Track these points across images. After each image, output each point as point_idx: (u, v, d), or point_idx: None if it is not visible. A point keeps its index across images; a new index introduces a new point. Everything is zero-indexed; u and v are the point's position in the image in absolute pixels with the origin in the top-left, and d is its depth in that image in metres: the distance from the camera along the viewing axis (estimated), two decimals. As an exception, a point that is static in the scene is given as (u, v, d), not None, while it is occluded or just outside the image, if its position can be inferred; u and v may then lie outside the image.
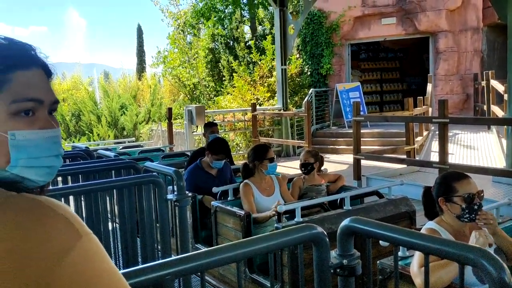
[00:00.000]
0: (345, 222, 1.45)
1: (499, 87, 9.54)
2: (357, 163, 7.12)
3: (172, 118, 10.21)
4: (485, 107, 11.00)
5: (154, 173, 2.78)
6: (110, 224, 3.03)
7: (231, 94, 14.49)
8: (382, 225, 1.40)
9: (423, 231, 2.17)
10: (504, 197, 5.18)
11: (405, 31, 13.41)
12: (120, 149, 7.44)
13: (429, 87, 12.00)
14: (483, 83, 11.19)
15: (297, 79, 14.23)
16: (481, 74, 12.32)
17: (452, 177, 2.24)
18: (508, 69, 6.49)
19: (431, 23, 12.89)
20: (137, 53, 28.59)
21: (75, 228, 0.67)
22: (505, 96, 7.93)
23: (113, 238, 2.97)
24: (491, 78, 10.42)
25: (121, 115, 18.37)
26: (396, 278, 1.44)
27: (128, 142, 10.19)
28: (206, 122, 8.56)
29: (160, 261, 1.19)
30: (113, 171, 3.22)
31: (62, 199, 2.48)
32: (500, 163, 7.73)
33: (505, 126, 7.37)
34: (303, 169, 4.05)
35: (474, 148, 9.37)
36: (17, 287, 0.61)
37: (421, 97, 10.76)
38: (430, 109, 11.18)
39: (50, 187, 2.83)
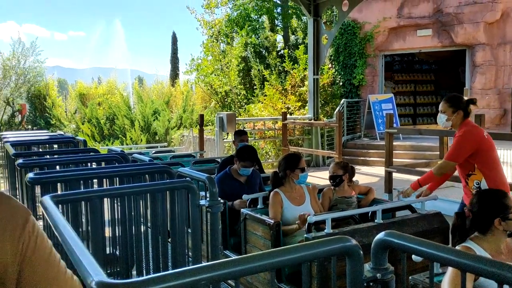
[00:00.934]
0: (380, 235, 1.44)
1: (539, 102, 9.23)
2: (388, 176, 7.01)
3: (203, 125, 10.33)
4: (523, 123, 10.66)
5: (187, 179, 2.82)
6: (142, 227, 3.08)
7: (262, 103, 14.56)
8: (418, 240, 1.38)
9: (458, 248, 2.13)
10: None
11: (441, 43, 13.17)
12: (152, 153, 7.57)
13: (465, 100, 11.71)
14: (522, 98, 10.85)
15: (328, 89, 14.17)
16: (520, 89, 11.96)
17: (500, 195, 2.21)
18: (549, 85, 6.28)
19: (468, 35, 12.62)
20: (171, 60, 29.13)
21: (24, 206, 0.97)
22: (546, 112, 7.67)
23: (145, 241, 3.03)
24: (531, 93, 10.09)
25: (154, 120, 18.72)
26: (431, 295, 1.42)
27: (160, 147, 10.36)
28: (236, 130, 8.62)
29: (196, 265, 1.21)
30: (147, 175, 3.28)
31: (98, 200, 2.55)
32: (538, 181, 7.45)
33: (545, 143, 7.11)
34: (331, 181, 4.02)
35: (510, 164, 9.07)
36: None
37: (456, 110, 10.51)
38: (465, 123, 10.89)
39: (87, 189, 2.92)
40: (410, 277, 2.27)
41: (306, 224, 3.23)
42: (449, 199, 6.19)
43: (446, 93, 16.14)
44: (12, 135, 6.66)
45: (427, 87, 16.18)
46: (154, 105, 19.31)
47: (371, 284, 1.41)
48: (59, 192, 2.98)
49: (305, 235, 3.12)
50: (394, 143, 7.75)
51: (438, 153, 8.67)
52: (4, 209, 0.92)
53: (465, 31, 12.60)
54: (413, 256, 2.05)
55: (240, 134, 5.93)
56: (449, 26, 12.84)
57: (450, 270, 1.97)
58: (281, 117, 10.98)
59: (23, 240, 0.91)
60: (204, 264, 1.26)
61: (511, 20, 12.63)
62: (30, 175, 2.90)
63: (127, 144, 17.11)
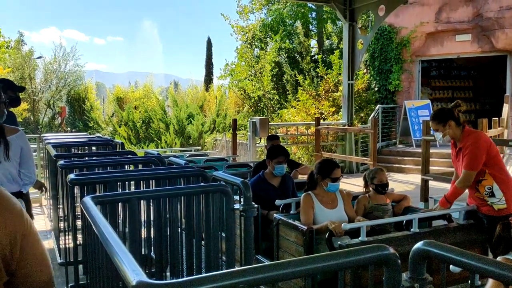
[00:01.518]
0: (419, 244, 1.41)
1: None
2: (424, 184, 6.86)
3: (236, 129, 10.41)
4: None
5: (222, 182, 2.86)
6: (177, 230, 3.13)
7: (295, 108, 14.53)
8: (458, 251, 1.35)
9: (499, 260, 2.06)
10: None
11: (480, 49, 12.80)
12: (187, 157, 7.68)
13: (506, 108, 11.34)
14: None
15: (363, 94, 14.01)
16: None
17: None
18: None
19: (510, 40, 12.20)
20: (205, 65, 29.51)
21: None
22: None
23: (180, 243, 3.07)
24: None
25: (188, 124, 19.00)
26: (472, 307, 1.38)
27: (194, 150, 10.49)
28: (269, 134, 8.64)
29: (234, 269, 1.23)
30: (182, 179, 3.34)
31: (136, 202, 2.61)
32: None
33: None
34: (380, 189, 3.94)
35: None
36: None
37: (496, 118, 10.19)
38: (505, 131, 10.55)
39: (125, 191, 3.00)
40: (448, 289, 2.22)
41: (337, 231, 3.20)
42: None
43: (485, 100, 15.70)
44: (53, 137, 6.90)
45: (465, 93, 15.73)
46: (189, 109, 19.60)
47: (408, 294, 1.39)
48: (97, 193, 3.07)
49: (338, 242, 3.09)
50: (431, 151, 7.57)
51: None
52: (4, 201, 1.21)
53: (506, 36, 12.20)
54: (451, 267, 2.00)
55: (272, 139, 5.94)
56: (490, 31, 12.46)
57: (490, 282, 1.92)
58: (314, 122, 10.93)
59: (24, 223, 1.22)
60: (242, 267, 1.28)
61: (556, 24, 12.14)
62: (71, 176, 3.00)
63: (162, 147, 17.43)
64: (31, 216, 4.69)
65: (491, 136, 8.98)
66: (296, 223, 3.59)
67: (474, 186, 3.68)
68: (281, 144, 6.01)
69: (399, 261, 1.35)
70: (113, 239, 1.52)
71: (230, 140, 10.70)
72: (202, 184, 3.06)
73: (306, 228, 3.44)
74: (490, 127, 9.41)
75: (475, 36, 12.74)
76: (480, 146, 3.59)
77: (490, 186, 3.55)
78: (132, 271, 1.24)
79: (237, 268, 1.27)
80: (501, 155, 9.88)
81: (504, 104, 11.52)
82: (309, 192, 3.80)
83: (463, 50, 13.07)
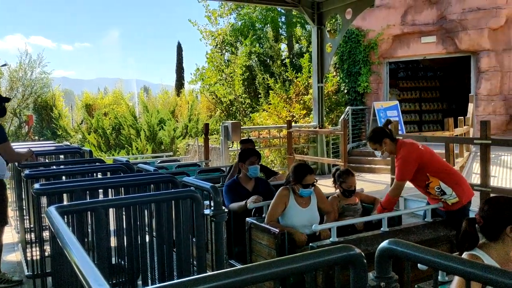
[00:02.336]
0: (384, 244, 1.43)
1: (545, 108, 9.17)
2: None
3: (209, 134, 10.36)
4: (530, 129, 10.60)
5: (191, 188, 2.83)
6: (147, 237, 3.08)
7: (266, 111, 14.58)
8: (423, 249, 1.37)
9: (464, 256, 2.11)
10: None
11: (445, 50, 13.16)
12: (158, 163, 7.59)
13: (471, 107, 11.68)
14: (528, 103, 10.80)
15: (333, 97, 14.19)
16: (526, 95, 11.90)
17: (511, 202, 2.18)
18: (555, 90, 6.25)
19: (473, 42, 12.60)
20: (176, 70, 29.28)
21: None
22: (552, 118, 7.62)
23: (150, 251, 3.03)
24: (537, 99, 10.04)
25: (159, 129, 18.80)
26: (436, 303, 1.40)
27: (166, 156, 10.38)
28: (242, 138, 8.64)
29: (202, 275, 1.21)
30: (152, 185, 3.29)
31: (103, 211, 2.56)
32: (546, 187, 7.39)
33: (552, 149, 7.06)
34: (347, 194, 3.99)
35: (518, 170, 9.00)
36: None
37: (462, 117, 10.48)
38: (471, 130, 10.86)
39: (92, 200, 2.93)
40: (416, 286, 2.25)
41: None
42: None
43: (451, 99, 16.14)
44: (19, 146, 6.70)
45: (432, 93, 16.14)
46: (160, 114, 19.41)
47: (375, 293, 1.40)
48: (65, 203, 3.00)
49: (310, 244, 3.11)
50: (400, 151, 7.70)
51: (444, 160, 8.64)
52: None
53: (469, 38, 12.59)
54: (419, 265, 2.03)
55: (246, 143, 5.94)
56: (453, 32, 12.83)
57: (456, 279, 1.96)
58: (286, 125, 10.99)
59: None
60: (210, 273, 1.26)
61: (515, 26, 12.61)
62: (36, 185, 2.92)
63: (133, 154, 17.18)
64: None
65: (457, 135, 9.25)
66: (269, 226, 3.59)
67: (425, 191, 3.89)
68: (254, 147, 6.02)
69: (365, 260, 1.37)
70: (76, 249, 1.48)
71: (203, 145, 10.65)
72: (172, 190, 3.02)
73: (278, 231, 3.44)
74: (456, 126, 9.67)
75: (440, 38, 13.10)
76: (408, 159, 3.87)
77: (438, 186, 3.76)
78: (95, 281, 1.21)
79: (204, 274, 1.26)
80: (467, 153, 10.17)
81: (469, 104, 11.86)
82: (288, 186, 3.77)
83: (428, 51, 13.41)
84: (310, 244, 3.08)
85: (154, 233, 3.05)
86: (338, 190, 4.06)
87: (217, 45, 18.29)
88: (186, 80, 27.70)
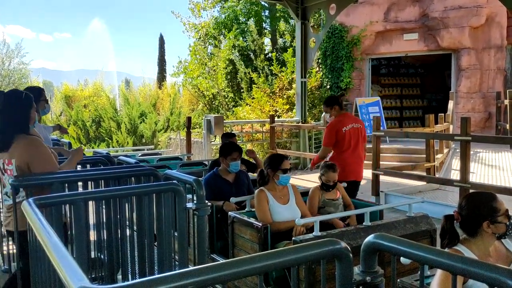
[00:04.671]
0: (370, 238, 1.42)
1: (523, 106, 9.36)
2: (375, 178, 7.03)
3: (191, 127, 10.27)
4: (507, 126, 10.81)
5: (174, 181, 2.78)
6: (128, 231, 3.03)
7: (249, 105, 14.54)
8: (408, 243, 1.37)
9: (447, 250, 2.12)
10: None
11: (427, 47, 13.30)
12: (139, 156, 7.50)
13: (451, 104, 11.84)
14: (506, 101, 11.01)
15: (316, 92, 14.22)
16: (504, 93, 12.12)
17: (489, 198, 2.20)
18: (533, 88, 6.37)
19: (454, 40, 12.77)
20: (158, 62, 28.96)
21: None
22: (530, 116, 7.78)
23: (131, 245, 2.98)
24: (515, 97, 10.24)
25: (141, 122, 18.59)
26: (421, 298, 1.40)
27: (147, 149, 10.27)
28: (224, 132, 8.58)
29: (184, 270, 1.18)
30: (133, 178, 3.23)
31: (82, 203, 2.50)
32: (523, 183, 7.55)
33: (529, 146, 7.21)
34: (324, 187, 4.01)
35: (495, 167, 9.18)
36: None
37: (442, 114, 10.62)
38: (451, 127, 11.02)
39: (71, 192, 2.86)
40: (398, 280, 2.26)
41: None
42: (436, 202, 6.24)
43: (432, 96, 16.35)
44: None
45: (413, 90, 16.32)
46: (141, 107, 19.18)
47: (360, 287, 1.39)
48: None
49: (293, 238, 3.10)
50: (381, 146, 7.77)
51: (425, 156, 8.75)
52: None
53: (450, 36, 12.75)
54: (402, 259, 2.03)
55: (228, 136, 5.89)
56: (435, 30, 12.97)
57: (439, 272, 1.97)
58: (269, 119, 10.98)
59: None
60: (191, 268, 1.23)
61: (495, 24, 12.81)
62: (13, 178, 2.83)
63: (113, 147, 16.95)
64: None
65: (437, 131, 9.37)
66: (251, 220, 3.57)
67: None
68: (236, 141, 5.98)
69: (351, 255, 1.35)
70: (54, 243, 1.43)
71: (185, 138, 10.56)
72: (153, 183, 2.97)
73: (261, 225, 3.42)
74: (436, 123, 9.80)
75: (422, 35, 13.23)
76: (331, 130, 5.05)
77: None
78: (74, 276, 1.16)
79: (186, 269, 1.22)
80: (446, 150, 10.32)
81: (449, 101, 12.03)
82: (262, 188, 3.78)
83: (410, 48, 13.54)
84: (293, 238, 3.07)
85: (135, 227, 3.00)
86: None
87: (200, 37, 18.13)
88: (168, 73, 27.44)
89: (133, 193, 2.78)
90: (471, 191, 5.15)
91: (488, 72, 13.02)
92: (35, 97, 3.78)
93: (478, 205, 2.18)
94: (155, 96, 21.30)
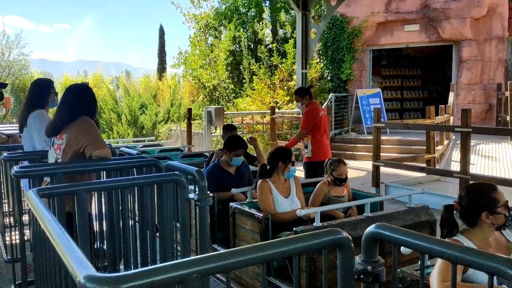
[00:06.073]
0: (371, 228, 1.43)
1: (523, 97, 9.35)
2: (376, 170, 7.05)
3: (191, 119, 10.28)
4: (508, 118, 10.80)
5: (176, 172, 2.80)
6: (130, 221, 3.05)
7: (250, 97, 14.53)
8: (409, 233, 1.38)
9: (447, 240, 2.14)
10: (527, 210, 5.08)
11: (428, 39, 13.26)
12: (140, 147, 7.51)
13: (451, 95, 11.83)
14: (507, 93, 10.99)
15: (317, 83, 14.19)
16: (505, 84, 12.09)
17: (489, 189, 2.22)
18: (534, 80, 6.37)
19: (455, 31, 12.72)
20: (158, 53, 28.84)
21: None
22: (530, 107, 7.77)
23: (133, 236, 3.00)
24: (516, 89, 10.22)
25: (141, 114, 18.58)
26: (422, 287, 1.42)
27: (148, 141, 10.28)
28: (225, 124, 8.58)
29: (187, 258, 1.19)
30: (134, 169, 3.24)
31: (85, 194, 2.51)
32: (523, 175, 7.57)
33: (530, 138, 7.22)
34: (337, 182, 3.98)
35: (495, 159, 9.19)
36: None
37: (443, 105, 10.61)
38: (451, 118, 11.02)
39: (72, 183, 2.88)
40: (398, 270, 2.28)
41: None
42: (436, 193, 6.26)
43: (433, 88, 16.32)
44: (-4, 129, 6.54)
45: (414, 82, 16.30)
46: (141, 98, 19.16)
47: (361, 276, 1.41)
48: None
49: (294, 229, 3.12)
50: (381, 138, 7.79)
51: (425, 147, 8.77)
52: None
53: (452, 27, 12.70)
54: (402, 249, 2.05)
55: (230, 129, 5.88)
56: (436, 21, 12.92)
57: (439, 262, 1.99)
58: (269, 111, 10.97)
59: None
60: (195, 257, 1.25)
61: (496, 16, 12.75)
62: (15, 168, 2.85)
63: (113, 138, 16.97)
64: None
65: (438, 123, 9.38)
66: (253, 211, 3.59)
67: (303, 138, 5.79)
68: (237, 134, 6.00)
69: (352, 244, 1.37)
70: (59, 233, 1.44)
71: (185, 130, 10.57)
72: (156, 174, 2.99)
73: (262, 215, 3.45)
74: (437, 114, 9.80)
75: (423, 27, 13.18)
76: (310, 116, 5.65)
77: (308, 140, 5.67)
78: (80, 265, 1.18)
79: (188, 258, 1.24)
80: (447, 141, 10.33)
81: (450, 92, 12.01)
82: (266, 179, 3.80)
83: (411, 40, 13.49)
84: (294, 228, 3.10)
85: (137, 218, 3.02)
86: (329, 178, 4.05)
87: (200, 28, 18.05)
88: (168, 64, 27.36)
89: (135, 184, 2.79)
90: (471, 182, 5.17)
91: (489, 64, 12.98)
92: (45, 89, 4.03)
93: (478, 196, 2.20)
94: (155, 87, 21.26)
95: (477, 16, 12.63)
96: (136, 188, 2.90)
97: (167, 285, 1.14)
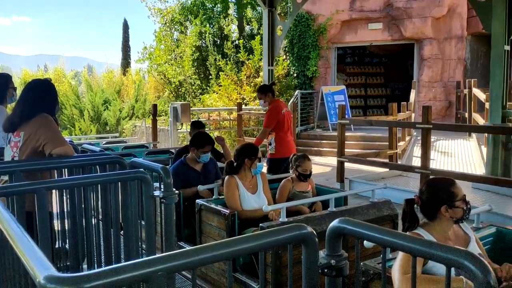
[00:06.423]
0: (335, 222, 1.46)
1: (480, 95, 9.73)
2: (340, 165, 7.17)
3: (157, 115, 10.15)
4: (466, 115, 11.21)
5: (140, 169, 2.76)
6: (93, 220, 2.99)
7: (217, 93, 14.47)
8: (372, 227, 1.42)
9: (408, 234, 2.20)
10: (482, 203, 5.30)
11: (391, 37, 13.57)
12: (103, 144, 7.36)
13: (413, 93, 12.16)
14: (465, 91, 11.39)
15: (283, 80, 14.28)
16: (463, 82, 12.54)
17: (448, 183, 2.28)
18: (490, 78, 6.63)
19: (417, 30, 13.07)
20: (122, 48, 28.27)
21: None
22: (486, 105, 8.10)
23: (97, 234, 2.94)
24: (473, 87, 10.61)
25: (104, 110, 18.19)
26: (384, 280, 1.46)
27: (111, 137, 10.08)
28: (193, 120, 8.50)
29: (151, 257, 1.18)
30: (98, 166, 3.17)
31: (46, 192, 2.44)
32: (479, 170, 7.89)
33: (485, 134, 7.53)
34: (302, 178, 4.02)
35: (454, 154, 9.53)
36: None
37: (405, 102, 10.90)
38: (413, 115, 11.33)
39: (32, 181, 2.79)
40: (361, 263, 2.33)
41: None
42: (398, 188, 6.43)
43: (395, 85, 16.72)
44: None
45: (377, 79, 16.64)
46: (105, 94, 18.75)
47: (326, 270, 1.43)
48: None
49: (260, 224, 3.14)
50: (346, 134, 7.93)
51: (387, 143, 8.99)
52: None
53: (413, 26, 13.04)
54: (365, 243, 2.10)
55: (198, 126, 5.77)
56: (399, 20, 13.24)
57: (400, 255, 2.04)
58: (236, 107, 10.97)
59: None
60: (160, 255, 1.23)
61: (457, 15, 13.20)
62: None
63: (76, 135, 16.53)
64: None
65: (400, 119, 9.63)
66: (219, 208, 3.58)
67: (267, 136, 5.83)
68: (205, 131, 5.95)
69: (317, 239, 1.39)
70: (18, 233, 1.40)
71: (150, 126, 10.42)
72: (119, 171, 2.93)
73: (228, 212, 3.45)
74: (399, 111, 10.06)
75: (386, 25, 13.48)
76: (273, 114, 5.68)
77: (272, 138, 5.69)
78: (40, 265, 1.15)
79: (153, 256, 1.23)
80: (408, 137, 10.62)
81: (412, 90, 12.35)
82: (233, 175, 3.80)
83: (375, 38, 13.77)
84: (260, 224, 3.11)
85: (101, 216, 2.96)
86: (294, 174, 4.09)
87: (166, 23, 17.81)
88: (133, 59, 26.87)
89: (98, 182, 2.74)
90: (431, 177, 5.34)
91: (449, 62, 13.43)
92: (3, 84, 3.85)
93: (437, 190, 2.27)
94: (119, 82, 20.84)
95: (438, 15, 13.03)
96: (99, 186, 2.85)
97: (132, 284, 1.13)
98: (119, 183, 2.72)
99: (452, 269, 1.27)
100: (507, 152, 6.58)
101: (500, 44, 6.40)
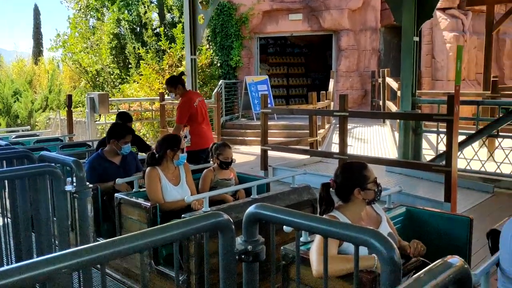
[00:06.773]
0: (251, 208, 1.47)
1: (393, 84, 10.34)
2: (264, 154, 7.28)
3: (73, 106, 9.62)
4: (381, 103, 11.87)
5: (50, 163, 2.59)
6: (1, 219, 2.77)
7: (137, 83, 14.02)
8: (286, 211, 1.44)
9: (324, 217, 2.28)
10: (395, 185, 5.64)
11: (310, 28, 13.94)
12: (13, 138, 6.86)
13: (331, 82, 12.63)
14: (380, 80, 12.05)
15: (207, 70, 14.16)
16: (378, 72, 13.24)
17: (360, 167, 2.39)
18: (401, 68, 7.05)
19: (335, 21, 13.55)
20: (33, 35, 26.42)
21: None
22: (398, 93, 8.61)
23: (5, 234, 2.73)
24: (387, 76, 11.25)
25: (15, 102, 16.93)
26: (298, 262, 1.49)
27: (22, 131, 9.41)
28: (120, 111, 8.14)
29: (54, 254, 1.11)
30: (4, 161, 2.94)
31: None
32: (392, 154, 8.40)
33: (398, 120, 8.03)
34: (224, 166, 4.00)
35: (370, 140, 10.06)
36: None
37: (324, 92, 11.29)
38: (332, 104, 11.78)
39: None
40: (282, 247, 2.38)
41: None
42: (318, 173, 6.66)
43: (315, 75, 17.26)
44: None
45: (298, 69, 17.07)
46: (15, 85, 17.44)
47: (242, 256, 1.44)
48: None
49: (182, 215, 3.09)
50: (269, 123, 8.06)
51: (308, 131, 9.27)
52: None
53: (331, 17, 13.50)
54: (284, 227, 2.14)
55: (125, 119, 5.42)
56: (318, 11, 13.63)
57: (317, 237, 2.11)
58: (158, 97, 10.70)
59: None
60: (63, 251, 1.16)
61: (370, 8, 13.86)
62: None
63: (-18, 129, 15.23)
64: None
65: (319, 108, 9.97)
66: (140, 200, 3.48)
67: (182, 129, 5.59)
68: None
69: (233, 226, 1.39)
70: None
71: (65, 118, 9.86)
72: (26, 166, 2.74)
73: (149, 204, 3.36)
74: (319, 100, 10.40)
75: (306, 16, 13.82)
76: (183, 108, 5.45)
77: (188, 130, 5.51)
78: None
79: (64, 251, 1.15)
80: (328, 125, 11.04)
81: (330, 79, 12.81)
82: (155, 166, 3.70)
83: (295, 28, 14.08)
84: (182, 215, 3.07)
85: (9, 214, 2.76)
86: (215, 164, 4.07)
87: (80, 9, 16.87)
88: (45, 47, 25.20)
89: (3, 177, 2.54)
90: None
91: (364, 53, 14.09)
92: None
93: (350, 174, 2.37)
94: (30, 72, 19.48)
95: (354, 7, 13.59)
96: (6, 181, 2.64)
97: (32, 284, 1.05)
98: (27, 178, 2.54)
99: (366, 248, 1.33)
100: (417, 137, 7.07)
101: (409, 36, 6.80)
